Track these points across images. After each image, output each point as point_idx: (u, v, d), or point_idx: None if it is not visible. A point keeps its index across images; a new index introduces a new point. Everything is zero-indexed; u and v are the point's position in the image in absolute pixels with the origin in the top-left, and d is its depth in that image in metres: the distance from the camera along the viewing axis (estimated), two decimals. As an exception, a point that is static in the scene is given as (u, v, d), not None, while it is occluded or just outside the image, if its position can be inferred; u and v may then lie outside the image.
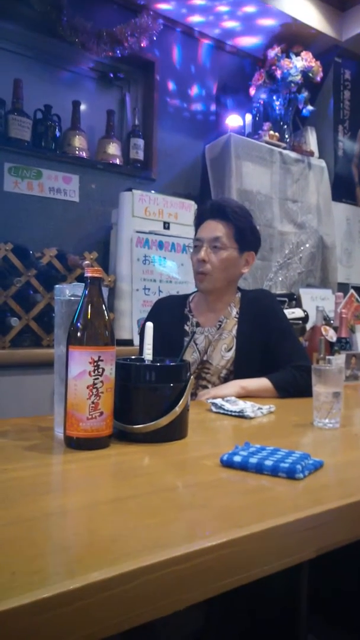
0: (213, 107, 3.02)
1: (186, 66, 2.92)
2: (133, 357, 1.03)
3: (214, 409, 1.17)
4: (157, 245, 2.37)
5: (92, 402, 0.81)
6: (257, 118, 2.96)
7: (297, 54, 2.94)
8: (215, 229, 1.47)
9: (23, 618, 0.38)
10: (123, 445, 0.85)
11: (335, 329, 2.03)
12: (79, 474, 0.73)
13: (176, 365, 0.94)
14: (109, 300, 2.26)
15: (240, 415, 1.11)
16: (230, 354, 1.47)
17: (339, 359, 1.15)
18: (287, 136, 3.02)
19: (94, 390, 0.81)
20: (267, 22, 2.86)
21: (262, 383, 1.37)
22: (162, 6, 2.69)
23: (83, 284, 0.86)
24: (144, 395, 0.90)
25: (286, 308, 2.47)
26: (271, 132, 2.92)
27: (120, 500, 0.62)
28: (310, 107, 3.07)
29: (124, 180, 2.62)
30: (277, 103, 2.98)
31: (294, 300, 2.69)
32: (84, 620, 0.41)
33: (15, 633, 0.38)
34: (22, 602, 0.38)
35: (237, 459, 0.74)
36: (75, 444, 0.82)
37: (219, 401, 1.18)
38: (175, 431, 0.90)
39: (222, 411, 1.15)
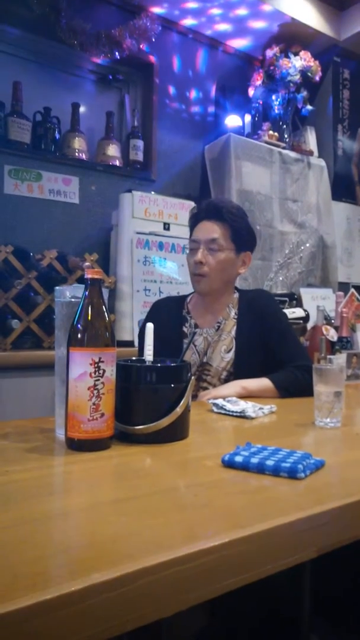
0: (212, 108, 3.03)
1: (185, 67, 2.92)
2: (134, 358, 1.04)
3: (215, 409, 1.17)
4: (157, 246, 2.37)
5: (93, 404, 0.81)
6: (256, 118, 2.96)
7: (296, 54, 2.94)
8: (212, 230, 1.46)
9: (26, 620, 0.38)
10: (124, 447, 0.85)
11: (336, 328, 2.03)
12: (81, 475, 0.73)
13: (177, 365, 0.94)
14: (109, 301, 2.26)
15: (242, 416, 1.11)
16: (230, 355, 1.47)
17: (340, 359, 1.15)
18: (286, 136, 3.02)
19: (95, 391, 0.81)
20: (266, 22, 2.87)
21: (262, 383, 1.37)
22: (161, 8, 2.69)
23: (83, 285, 0.86)
24: (145, 396, 0.90)
25: (287, 308, 2.47)
26: (270, 132, 2.92)
27: (122, 501, 0.62)
28: (309, 107, 3.07)
29: (124, 181, 2.62)
30: (276, 103, 2.99)
31: (295, 300, 2.68)
32: (86, 622, 0.41)
33: (18, 635, 0.38)
34: (24, 604, 0.38)
35: (238, 459, 0.74)
36: (77, 445, 0.82)
37: (220, 401, 1.18)
38: (177, 432, 0.90)
39: (223, 411, 1.15)
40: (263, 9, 2.76)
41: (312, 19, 2.96)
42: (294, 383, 1.38)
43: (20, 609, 0.38)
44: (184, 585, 0.47)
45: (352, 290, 2.59)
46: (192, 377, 0.94)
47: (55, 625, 0.39)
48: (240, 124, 2.88)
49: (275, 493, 0.66)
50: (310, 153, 3.11)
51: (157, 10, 2.69)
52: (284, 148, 2.96)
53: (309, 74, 2.94)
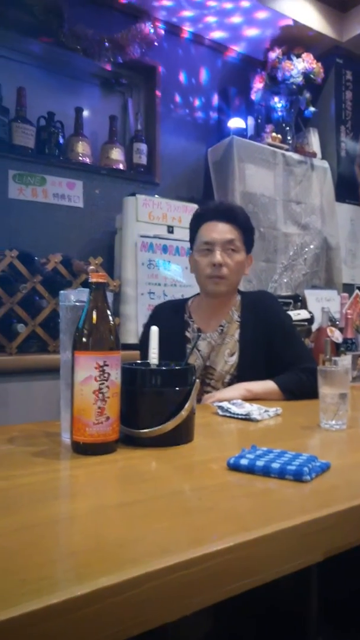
0: (215, 111, 3.03)
1: (188, 70, 2.93)
2: (138, 361, 1.04)
3: (220, 412, 1.17)
4: (161, 249, 2.37)
5: (98, 407, 0.81)
6: (259, 120, 2.96)
7: (298, 56, 2.95)
8: (228, 231, 1.45)
9: (32, 624, 0.38)
10: (130, 450, 0.86)
11: (341, 329, 2.02)
12: (86, 479, 0.73)
13: (182, 369, 0.94)
14: (114, 305, 2.26)
15: (247, 418, 1.11)
16: (234, 359, 1.46)
17: (345, 360, 1.15)
18: (289, 138, 3.02)
19: (100, 395, 0.81)
20: (268, 24, 2.87)
21: (267, 386, 1.37)
22: (163, 12, 2.70)
23: (88, 289, 0.86)
24: (150, 399, 0.90)
25: (291, 310, 2.47)
26: (273, 134, 2.92)
27: (128, 505, 0.62)
28: (312, 109, 3.07)
29: (128, 185, 2.63)
30: (279, 105, 2.99)
31: (299, 301, 2.68)
32: (92, 626, 0.41)
33: (25, 639, 0.38)
34: (31, 608, 0.38)
35: (244, 462, 0.74)
36: (82, 449, 0.82)
37: (225, 404, 1.18)
38: (182, 435, 0.90)
39: (228, 414, 1.15)
40: (265, 12, 2.77)
41: (314, 21, 2.96)
42: (299, 385, 1.37)
43: (26, 614, 0.38)
44: (190, 590, 0.47)
45: (357, 291, 2.58)
46: (197, 380, 0.94)
47: (62, 629, 0.40)
48: (243, 126, 2.88)
49: (280, 496, 0.66)
50: (314, 155, 3.11)
51: (159, 14, 2.70)
52: (287, 150, 2.96)
53: (312, 76, 2.95)
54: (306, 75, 2.92)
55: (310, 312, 2.48)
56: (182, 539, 0.53)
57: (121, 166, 2.62)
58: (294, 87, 2.92)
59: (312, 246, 3.03)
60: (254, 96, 3.01)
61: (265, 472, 0.71)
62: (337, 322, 2.19)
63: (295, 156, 2.99)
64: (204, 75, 3.00)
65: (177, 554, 0.47)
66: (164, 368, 0.95)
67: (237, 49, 3.06)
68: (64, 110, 2.48)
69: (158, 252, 2.37)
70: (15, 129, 2.30)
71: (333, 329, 2.02)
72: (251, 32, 2.93)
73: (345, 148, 3.25)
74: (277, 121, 3.02)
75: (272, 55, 2.94)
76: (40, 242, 2.33)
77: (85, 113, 2.57)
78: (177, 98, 2.90)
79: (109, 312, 0.85)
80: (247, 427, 1.07)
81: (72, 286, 2.12)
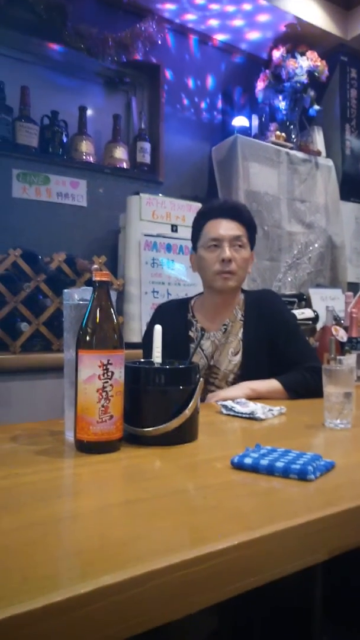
0: (219, 109, 3.03)
1: (191, 69, 2.92)
2: (142, 360, 1.04)
3: (224, 411, 1.16)
4: (165, 248, 2.37)
5: (102, 406, 0.81)
6: (263, 119, 2.95)
7: (303, 54, 2.94)
8: (235, 228, 1.46)
9: (35, 622, 0.38)
10: (133, 449, 0.85)
11: (346, 328, 2.02)
12: (90, 477, 0.73)
13: (185, 367, 0.94)
14: (118, 303, 2.26)
15: (251, 417, 1.11)
16: (238, 358, 1.46)
17: (350, 359, 1.14)
18: (293, 136, 3.01)
19: (104, 393, 0.81)
20: (272, 22, 2.86)
21: (271, 384, 1.36)
22: (167, 10, 2.70)
23: (91, 288, 0.86)
24: (153, 398, 0.90)
25: (296, 308, 2.46)
26: (277, 133, 2.91)
27: (131, 503, 0.62)
28: (316, 107, 3.06)
29: (131, 184, 2.63)
30: (283, 103, 2.98)
31: (304, 300, 2.67)
32: (95, 625, 0.41)
33: (27, 637, 0.38)
34: (34, 606, 0.38)
35: (248, 460, 0.73)
36: (86, 447, 0.82)
37: (229, 403, 1.17)
38: (186, 434, 0.90)
39: (232, 413, 1.14)
40: (269, 10, 2.76)
41: (319, 18, 2.95)
42: (303, 384, 1.37)
43: (29, 612, 0.38)
44: (193, 588, 0.47)
45: (362, 290, 2.57)
46: (201, 379, 0.94)
47: (65, 627, 0.39)
48: (247, 125, 2.88)
49: (285, 495, 0.66)
50: (318, 153, 3.10)
51: (163, 13, 2.70)
52: (291, 148, 2.95)
53: (316, 74, 2.93)
54: (310, 73, 2.91)
55: (314, 311, 2.48)
56: (186, 537, 0.53)
57: (125, 165, 2.62)
58: (298, 85, 2.91)
59: (316, 245, 3.02)
60: (258, 95, 3.00)
61: (270, 471, 0.71)
62: (342, 321, 2.18)
63: (300, 155, 2.98)
64: (207, 73, 2.99)
65: (181, 553, 0.47)
66: (168, 367, 0.94)
67: (241, 47, 3.05)
68: (68, 109, 2.48)
69: (162, 250, 2.36)
70: (18, 128, 2.30)
71: (338, 327, 2.01)
72: (255, 30, 2.92)
73: (350, 146, 3.24)
74: (281, 120, 3.01)
75: (276, 53, 2.93)
76: (44, 241, 2.33)
77: (89, 112, 2.57)
78: (181, 97, 2.89)
79: (112, 311, 0.85)
80: (251, 426, 1.06)
81: (76, 285, 2.12)
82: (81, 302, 0.91)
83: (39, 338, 2.04)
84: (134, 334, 2.25)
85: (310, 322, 2.43)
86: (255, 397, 1.31)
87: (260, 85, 2.98)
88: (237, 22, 2.85)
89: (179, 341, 1.48)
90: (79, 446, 0.83)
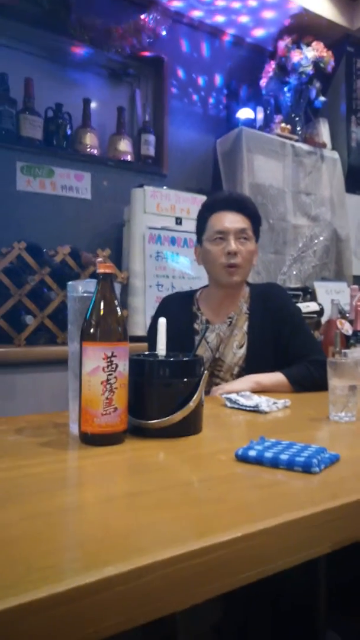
0: (224, 101, 3.00)
1: (196, 60, 2.90)
2: (146, 352, 1.03)
3: (228, 404, 1.16)
4: (169, 241, 2.37)
5: (106, 398, 0.81)
6: (268, 111, 2.93)
7: (308, 45, 2.91)
8: (240, 220, 1.45)
9: (38, 612, 0.38)
10: (137, 441, 0.86)
11: (351, 322, 2.01)
12: (94, 469, 0.73)
13: (190, 360, 0.94)
14: (122, 297, 2.26)
15: (255, 410, 1.11)
16: (242, 351, 1.46)
17: (355, 352, 1.14)
18: (298, 128, 2.98)
19: (108, 386, 0.81)
20: (277, 13, 2.83)
21: (276, 378, 1.36)
22: (171, 1, 2.67)
23: (95, 280, 0.86)
24: (157, 390, 0.90)
25: (301, 302, 2.45)
26: (283, 125, 2.89)
27: (135, 495, 0.62)
28: (322, 98, 3.03)
29: (136, 176, 2.62)
30: (288, 95, 2.95)
31: (309, 293, 2.66)
32: (99, 615, 0.41)
33: (31, 627, 0.38)
34: (37, 596, 0.38)
35: (252, 453, 0.73)
36: (90, 439, 0.82)
37: (233, 396, 1.17)
38: (190, 426, 0.90)
39: (236, 406, 1.14)
40: (275, 0, 2.73)
41: (325, 9, 2.92)
42: (308, 377, 1.37)
43: (33, 601, 0.38)
44: (197, 579, 0.47)
45: (367, 283, 2.56)
46: (205, 372, 0.94)
47: (68, 617, 0.40)
48: (252, 117, 2.86)
49: (289, 487, 0.66)
50: (324, 145, 3.07)
51: (167, 4, 2.67)
52: (296, 141, 2.93)
53: (322, 65, 2.91)
54: (316, 64, 2.88)
55: (319, 305, 2.47)
56: (190, 529, 0.53)
57: (129, 158, 2.60)
58: (304, 76, 2.88)
59: (321, 238, 3.00)
60: (263, 86, 2.97)
61: (274, 463, 0.71)
62: (347, 315, 2.17)
63: (305, 147, 2.96)
64: (212, 65, 2.97)
65: (185, 544, 0.47)
66: (172, 359, 0.94)
67: (246, 38, 3.02)
68: (72, 102, 2.47)
69: (166, 244, 2.36)
70: (22, 121, 2.29)
71: (343, 321, 2.01)
72: (261, 21, 2.89)
73: (356, 138, 3.21)
74: (286, 111, 2.99)
75: (282, 44, 2.90)
76: (48, 234, 2.33)
77: (93, 104, 2.56)
78: (185, 88, 2.87)
79: (116, 303, 0.85)
80: (256, 418, 1.06)
81: (80, 278, 2.12)
82: (85, 295, 0.91)
83: (43, 331, 2.05)
84: (138, 328, 2.25)
85: (315, 315, 2.42)
86: (259, 390, 1.31)
87: (265, 76, 2.95)
88: (243, 13, 2.82)
89: (184, 334, 1.48)
90: (83, 438, 0.83)
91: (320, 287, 2.79)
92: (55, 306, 2.04)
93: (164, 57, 2.75)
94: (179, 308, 1.54)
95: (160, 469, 0.75)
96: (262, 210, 2.53)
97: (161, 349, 0.97)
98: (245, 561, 0.51)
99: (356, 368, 1.04)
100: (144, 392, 0.89)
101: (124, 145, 2.59)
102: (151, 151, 2.68)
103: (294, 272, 2.87)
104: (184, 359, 0.95)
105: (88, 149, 2.48)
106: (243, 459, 0.74)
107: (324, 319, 2.38)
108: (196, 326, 1.51)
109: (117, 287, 0.88)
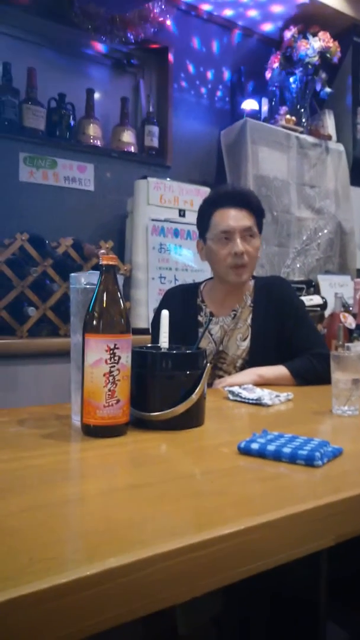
0: (228, 92, 2.97)
1: (201, 51, 2.87)
2: (149, 345, 1.03)
3: (230, 396, 1.16)
4: (172, 233, 2.36)
5: (109, 390, 0.81)
6: (273, 102, 2.90)
7: (315, 35, 2.87)
8: (245, 217, 1.43)
9: (40, 603, 0.38)
10: (140, 433, 0.85)
11: (354, 315, 2.00)
12: (96, 461, 0.73)
13: (193, 352, 0.93)
14: (125, 289, 2.26)
15: (258, 403, 1.11)
16: (246, 344, 1.45)
17: (358, 346, 1.13)
18: (304, 120, 2.96)
19: (111, 377, 0.81)
20: (284, 3, 2.79)
21: (279, 371, 1.36)
22: (176, -11, 2.64)
23: (98, 272, 0.85)
24: (160, 382, 0.89)
25: (304, 295, 2.44)
26: (288, 117, 2.86)
27: (137, 487, 0.62)
28: (327, 89, 2.99)
29: (139, 168, 2.60)
30: (294, 86, 2.92)
31: (312, 287, 2.65)
32: (100, 606, 0.41)
33: (33, 618, 0.38)
34: (39, 587, 0.38)
35: (254, 446, 0.73)
36: (92, 431, 0.82)
37: (236, 389, 1.17)
38: (192, 419, 0.90)
39: (239, 399, 1.14)
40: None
41: (331, -2, 2.88)
42: (311, 371, 1.36)
43: (34, 592, 0.38)
44: (199, 572, 0.47)
45: (371, 277, 2.54)
46: (208, 365, 0.94)
47: (70, 609, 0.40)
48: (257, 108, 2.83)
49: (291, 481, 0.66)
50: (329, 138, 3.04)
51: (172, -8, 2.64)
52: (301, 133, 2.90)
53: (328, 55, 2.87)
54: (322, 54, 2.84)
55: (323, 298, 2.46)
56: (192, 522, 0.53)
57: (132, 149, 2.59)
58: (310, 67, 2.85)
59: (325, 231, 2.98)
60: (268, 77, 2.94)
61: (277, 456, 0.71)
62: (351, 308, 2.16)
63: (310, 139, 2.93)
64: (217, 55, 2.94)
65: (187, 537, 0.47)
66: (175, 352, 0.94)
67: (251, 29, 2.99)
68: (75, 92, 2.45)
69: (169, 236, 2.35)
70: (25, 111, 2.28)
71: (346, 314, 2.00)
72: (266, 11, 2.85)
73: (362, 130, 3.18)
74: (291, 103, 2.96)
75: (288, 34, 2.87)
76: (51, 225, 2.32)
77: (97, 95, 2.54)
78: (190, 79, 2.85)
79: (119, 295, 0.85)
80: (258, 411, 1.06)
81: (83, 270, 2.11)
82: (88, 286, 0.90)
83: (45, 323, 2.05)
84: (141, 320, 2.24)
85: (318, 308, 2.41)
86: (262, 383, 1.31)
87: (270, 67, 2.92)
88: (248, 2, 2.78)
89: (187, 326, 1.48)
90: (85, 430, 0.83)
91: (324, 281, 2.77)
92: (58, 298, 2.04)
93: (168, 47, 2.72)
94: (182, 301, 1.54)
95: (162, 461, 0.75)
96: (266, 202, 2.52)
97: (164, 341, 0.97)
98: (246, 554, 0.51)
99: (359, 362, 1.04)
100: (147, 384, 0.89)
101: (128, 137, 2.57)
102: (155, 142, 2.66)
103: (298, 265, 2.86)
104: (187, 351, 0.95)
105: (91, 140, 2.46)
106: (245, 451, 0.74)
107: (327, 313, 2.37)
108: (200, 319, 1.51)
109: (120, 279, 0.87)
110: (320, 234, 2.96)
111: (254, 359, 1.43)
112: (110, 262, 0.85)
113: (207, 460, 0.76)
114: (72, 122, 2.43)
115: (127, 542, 0.46)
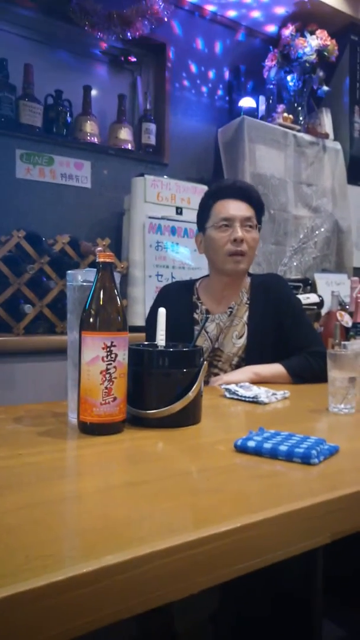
0: (226, 90, 2.97)
1: (198, 48, 2.87)
2: (146, 342, 1.03)
3: (227, 394, 1.16)
4: (169, 231, 2.35)
5: (106, 388, 0.81)
6: (270, 100, 2.90)
7: (312, 33, 2.87)
8: (245, 208, 1.45)
9: (37, 600, 0.38)
10: (136, 431, 0.85)
11: (351, 314, 2.00)
12: (93, 459, 0.73)
13: (189, 350, 0.93)
14: (122, 287, 2.25)
15: (254, 401, 1.11)
16: (242, 341, 1.45)
17: (355, 344, 1.14)
18: (301, 118, 2.96)
19: (107, 375, 0.81)
20: (281, 1, 2.79)
21: (275, 369, 1.36)
22: (173, -14, 2.63)
23: (95, 269, 0.85)
24: (157, 380, 0.89)
25: (301, 293, 2.45)
26: (285, 115, 2.86)
27: (134, 484, 0.62)
28: (325, 88, 2.99)
29: (136, 165, 2.59)
30: (292, 84, 2.92)
31: (309, 285, 2.66)
32: (97, 604, 0.41)
33: (30, 615, 0.38)
34: (36, 584, 0.38)
35: (251, 444, 0.73)
36: (89, 429, 0.82)
37: (232, 387, 1.17)
38: (189, 416, 0.90)
39: (235, 397, 1.14)
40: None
41: (329, -4, 2.88)
42: (307, 369, 1.36)
43: (31, 590, 0.38)
44: (195, 569, 0.47)
45: (367, 275, 2.55)
46: (205, 362, 0.94)
47: (67, 606, 0.40)
48: (255, 106, 2.83)
49: (288, 478, 0.66)
50: (326, 136, 3.05)
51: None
52: (298, 131, 2.91)
53: (325, 54, 2.87)
54: (320, 52, 2.85)
55: (319, 296, 2.46)
56: (189, 519, 0.53)
57: (130, 146, 2.58)
58: (307, 65, 2.85)
59: (322, 229, 2.98)
60: (266, 75, 2.94)
61: (273, 454, 0.71)
62: (347, 306, 2.17)
63: (307, 137, 2.94)
64: (215, 53, 2.93)
65: (183, 534, 0.47)
66: (171, 349, 0.94)
67: (249, 27, 2.98)
68: (72, 89, 2.44)
69: (166, 233, 2.34)
70: (22, 107, 2.27)
71: (343, 313, 2.00)
72: (264, 8, 2.85)
73: (359, 129, 3.18)
74: (289, 101, 2.96)
75: (286, 32, 2.86)
76: (48, 222, 2.31)
77: (94, 92, 2.53)
78: (188, 77, 2.84)
79: (116, 292, 0.85)
80: (255, 409, 1.06)
81: (80, 267, 2.10)
82: (85, 284, 0.90)
83: (42, 320, 2.04)
84: (138, 318, 2.24)
85: (315, 307, 2.42)
86: (259, 381, 1.31)
87: (268, 65, 2.92)
88: (247, 1, 2.78)
89: (183, 323, 1.48)
90: (82, 428, 0.83)
91: (320, 279, 2.78)
92: (54, 295, 2.03)
93: (165, 44, 2.72)
94: (178, 298, 1.54)
95: (159, 459, 0.75)
96: (263, 200, 2.51)
97: (161, 339, 0.97)
98: (243, 552, 0.51)
99: (356, 360, 1.04)
100: (143, 382, 0.89)
101: (125, 134, 2.57)
102: (152, 140, 2.66)
103: (295, 264, 2.86)
104: (184, 349, 0.95)
105: (88, 137, 2.46)
106: (242, 449, 0.74)
107: (324, 311, 2.37)
108: (196, 316, 1.51)
109: (117, 277, 0.87)
110: (317, 232, 2.96)
111: (250, 356, 1.43)
112: (107, 260, 0.85)
113: (203, 458, 0.76)
114: (69, 119, 2.42)
115: (124, 540, 0.46)
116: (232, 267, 1.44)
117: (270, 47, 2.98)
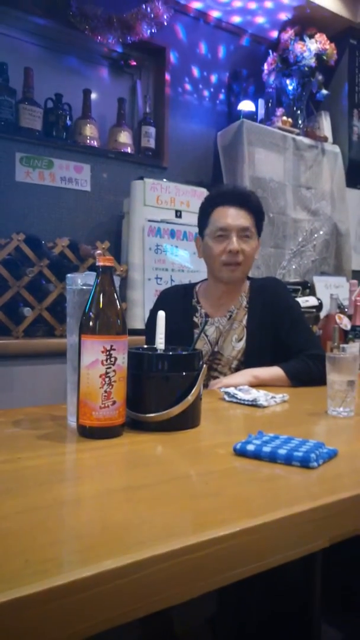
0: (225, 94, 2.98)
1: (198, 52, 2.88)
2: (145, 346, 1.03)
3: (226, 397, 1.16)
4: (169, 234, 2.36)
5: (105, 391, 0.81)
6: (269, 104, 2.91)
7: (311, 37, 2.88)
8: (243, 217, 1.44)
9: (36, 605, 0.38)
10: (136, 434, 0.85)
11: (350, 317, 2.00)
12: (92, 462, 0.73)
13: (188, 354, 0.93)
14: (121, 290, 2.25)
15: (253, 404, 1.11)
16: (241, 345, 1.46)
17: (354, 347, 1.14)
18: (300, 122, 2.97)
19: (107, 379, 0.81)
20: (281, 5, 2.80)
21: (274, 372, 1.36)
22: (173, -10, 2.64)
23: (95, 273, 0.85)
24: (156, 384, 0.89)
25: (300, 296, 2.45)
26: (284, 118, 2.87)
27: (133, 488, 0.62)
28: (324, 91, 3.00)
29: (136, 168, 2.60)
30: (290, 88, 2.93)
31: (308, 288, 2.66)
32: (97, 608, 0.41)
33: (29, 620, 0.38)
34: (35, 589, 0.38)
35: (250, 447, 0.73)
36: (88, 432, 0.82)
37: (231, 390, 1.17)
38: (188, 420, 0.90)
39: (234, 400, 1.14)
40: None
41: (328, 0, 2.89)
42: (306, 372, 1.37)
43: (31, 595, 0.38)
44: (195, 574, 0.47)
45: (366, 278, 2.55)
46: (204, 366, 0.94)
47: (66, 611, 0.40)
48: (254, 109, 2.84)
49: (287, 482, 0.66)
50: (325, 139, 3.06)
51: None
52: (297, 134, 2.91)
53: (324, 58, 2.88)
54: (319, 56, 2.86)
55: (318, 299, 2.46)
56: (188, 523, 0.53)
57: (129, 150, 2.59)
58: (306, 69, 2.86)
59: (321, 232, 2.99)
60: (265, 79, 2.95)
61: (272, 458, 0.71)
62: (346, 309, 2.17)
63: (306, 140, 2.94)
64: (214, 57, 2.94)
65: (183, 538, 0.47)
66: (171, 353, 0.94)
67: (249, 30, 3.00)
68: (72, 92, 2.45)
69: (165, 237, 2.35)
70: (22, 111, 2.27)
71: (342, 316, 2.00)
72: (263, 12, 2.86)
73: (358, 132, 3.19)
74: (288, 104, 2.97)
75: (285, 36, 2.88)
76: (47, 226, 2.32)
77: (94, 95, 2.53)
78: (187, 80, 2.85)
79: (116, 296, 0.85)
80: (254, 413, 1.06)
81: (79, 271, 2.11)
82: (84, 287, 0.90)
83: (41, 323, 2.04)
84: (137, 321, 2.24)
85: (314, 310, 2.42)
86: (258, 384, 1.31)
87: (267, 68, 2.93)
88: (245, 4, 2.79)
89: (183, 327, 1.48)
90: (81, 431, 0.83)
91: (319, 282, 2.78)
92: (54, 299, 2.04)
93: (165, 48, 2.73)
94: (178, 301, 1.54)
95: (158, 462, 0.75)
96: (262, 203, 2.51)
97: (160, 342, 0.97)
98: (242, 556, 0.51)
99: (354, 363, 1.04)
100: (143, 385, 0.89)
101: (124, 137, 2.57)
102: (151, 143, 2.67)
103: (294, 267, 2.86)
104: (183, 352, 0.95)
105: (88, 141, 2.46)
106: (241, 453, 0.74)
107: (322, 314, 2.37)
108: (195, 319, 1.51)
109: (117, 280, 0.87)
110: (315, 235, 2.96)
111: (249, 360, 1.43)
112: (107, 263, 0.85)
113: (203, 462, 0.76)
114: (68, 123, 2.43)
115: (124, 544, 0.46)
116: (227, 275, 1.45)
117: (270, 51, 2.99)
